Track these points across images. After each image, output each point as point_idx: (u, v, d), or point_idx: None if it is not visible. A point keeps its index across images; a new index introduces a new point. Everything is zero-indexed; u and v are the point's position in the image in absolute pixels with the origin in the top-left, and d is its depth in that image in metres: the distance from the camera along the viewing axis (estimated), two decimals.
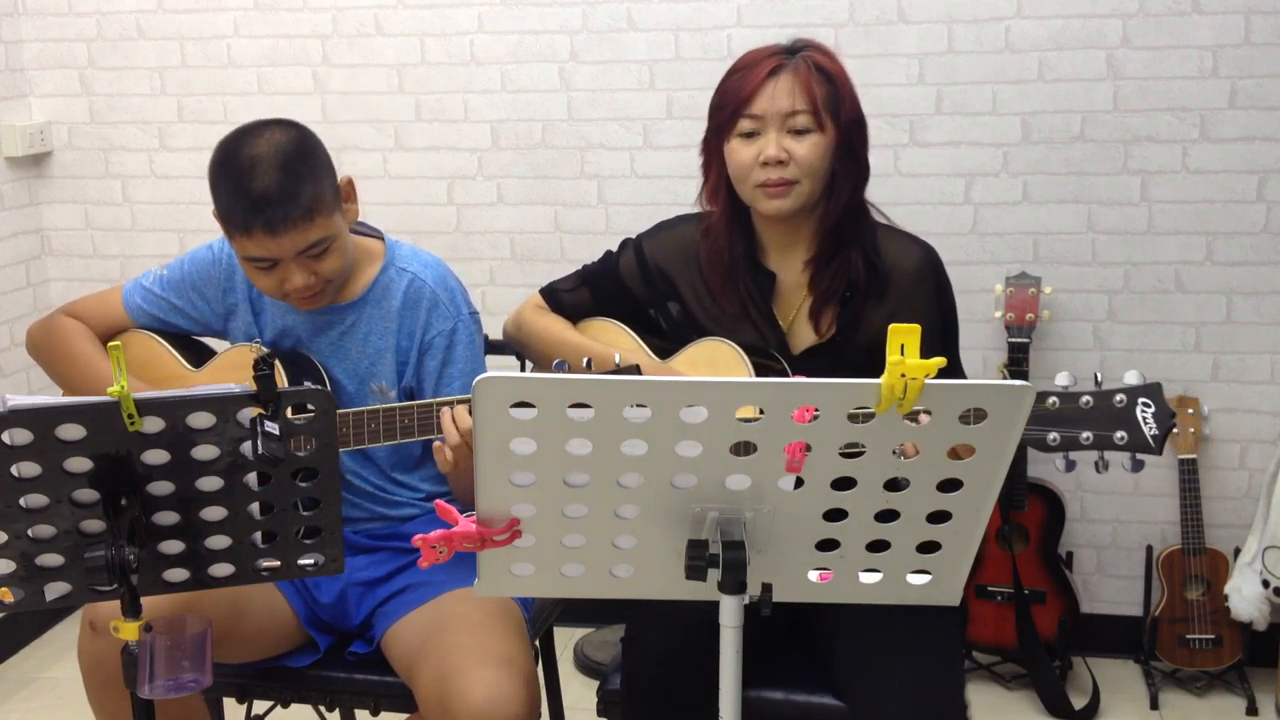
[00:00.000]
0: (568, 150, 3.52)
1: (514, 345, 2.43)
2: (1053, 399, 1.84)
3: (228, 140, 2.17)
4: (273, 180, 2.09)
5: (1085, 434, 1.83)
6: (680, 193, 3.47)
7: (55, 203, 3.81)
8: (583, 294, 2.36)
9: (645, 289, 2.31)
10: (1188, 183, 3.25)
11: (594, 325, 2.35)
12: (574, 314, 2.36)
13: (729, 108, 2.14)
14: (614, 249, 2.37)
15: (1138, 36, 3.21)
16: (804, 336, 2.22)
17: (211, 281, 2.36)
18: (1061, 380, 1.86)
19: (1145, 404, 1.83)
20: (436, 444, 2.04)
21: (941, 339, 2.18)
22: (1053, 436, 1.84)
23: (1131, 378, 1.86)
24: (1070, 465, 1.88)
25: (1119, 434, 1.83)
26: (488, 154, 3.57)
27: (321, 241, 2.15)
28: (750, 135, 2.13)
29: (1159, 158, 3.25)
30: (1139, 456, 1.85)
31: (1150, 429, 1.83)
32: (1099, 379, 1.87)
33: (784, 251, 2.22)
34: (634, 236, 2.35)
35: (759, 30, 3.35)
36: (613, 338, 2.32)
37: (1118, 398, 1.83)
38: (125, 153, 3.75)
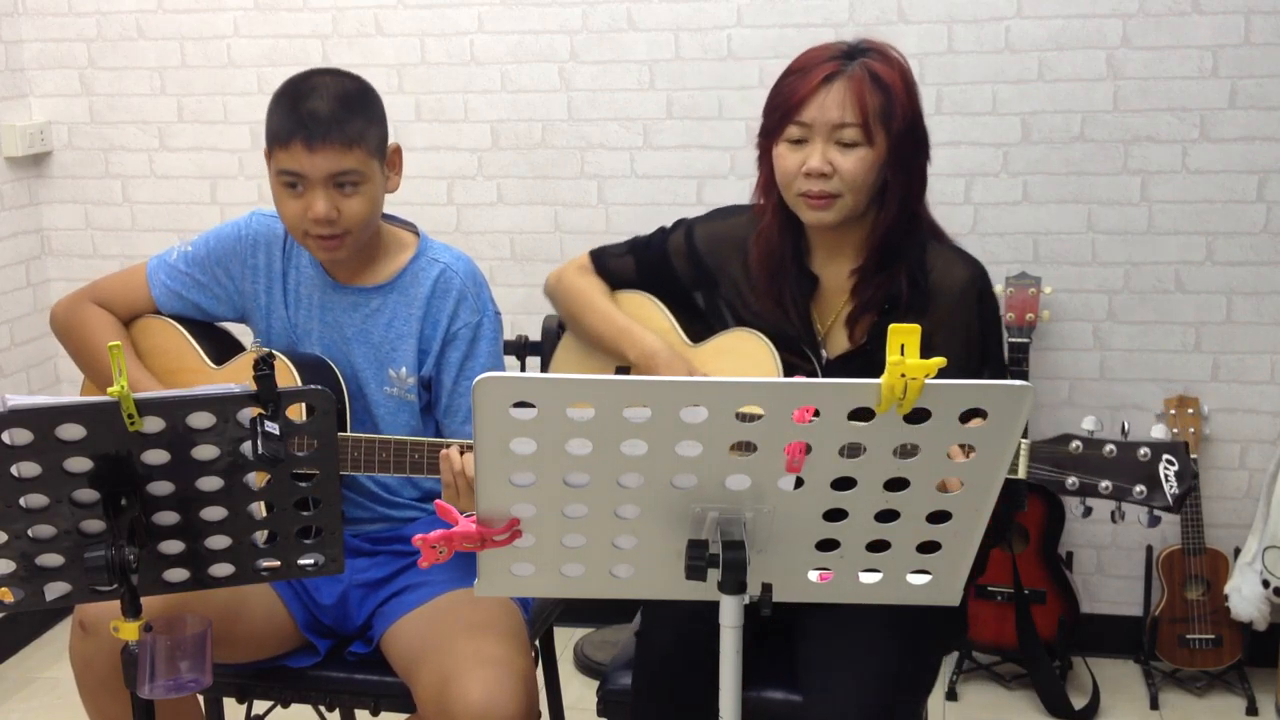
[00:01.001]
0: (568, 150, 3.52)
1: (550, 300, 2.45)
2: (1076, 443, 1.82)
3: (297, 74, 2.25)
4: (326, 104, 2.17)
5: (1105, 483, 1.81)
6: (680, 193, 3.47)
7: (55, 203, 3.81)
8: (628, 262, 2.36)
9: (689, 270, 2.30)
10: (1188, 183, 3.25)
11: (630, 298, 2.35)
12: (616, 280, 2.37)
13: (779, 111, 2.11)
14: (667, 225, 2.36)
15: (1138, 36, 3.21)
16: (839, 342, 2.20)
17: (237, 257, 2.36)
18: (1088, 425, 1.84)
19: (1169, 461, 1.80)
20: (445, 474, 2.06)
21: (978, 361, 2.14)
22: (1071, 481, 1.82)
23: (1159, 433, 1.85)
24: (1087, 511, 1.87)
25: (1139, 488, 1.80)
26: (488, 154, 3.57)
27: (352, 174, 2.18)
28: (798, 142, 2.10)
29: (1159, 158, 3.25)
30: (1156, 513, 1.83)
31: (1171, 487, 1.80)
32: (1126, 429, 1.85)
33: (831, 256, 2.20)
34: (689, 218, 2.34)
35: (759, 30, 3.35)
36: (646, 313, 2.32)
37: (1142, 451, 1.80)
38: (125, 153, 3.75)
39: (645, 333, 2.26)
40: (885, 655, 2.04)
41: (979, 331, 2.15)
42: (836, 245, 2.19)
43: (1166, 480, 1.80)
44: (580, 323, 2.35)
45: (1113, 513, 1.84)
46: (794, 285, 2.20)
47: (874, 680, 2.02)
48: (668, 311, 2.31)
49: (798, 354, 2.19)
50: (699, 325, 2.29)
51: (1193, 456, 3.22)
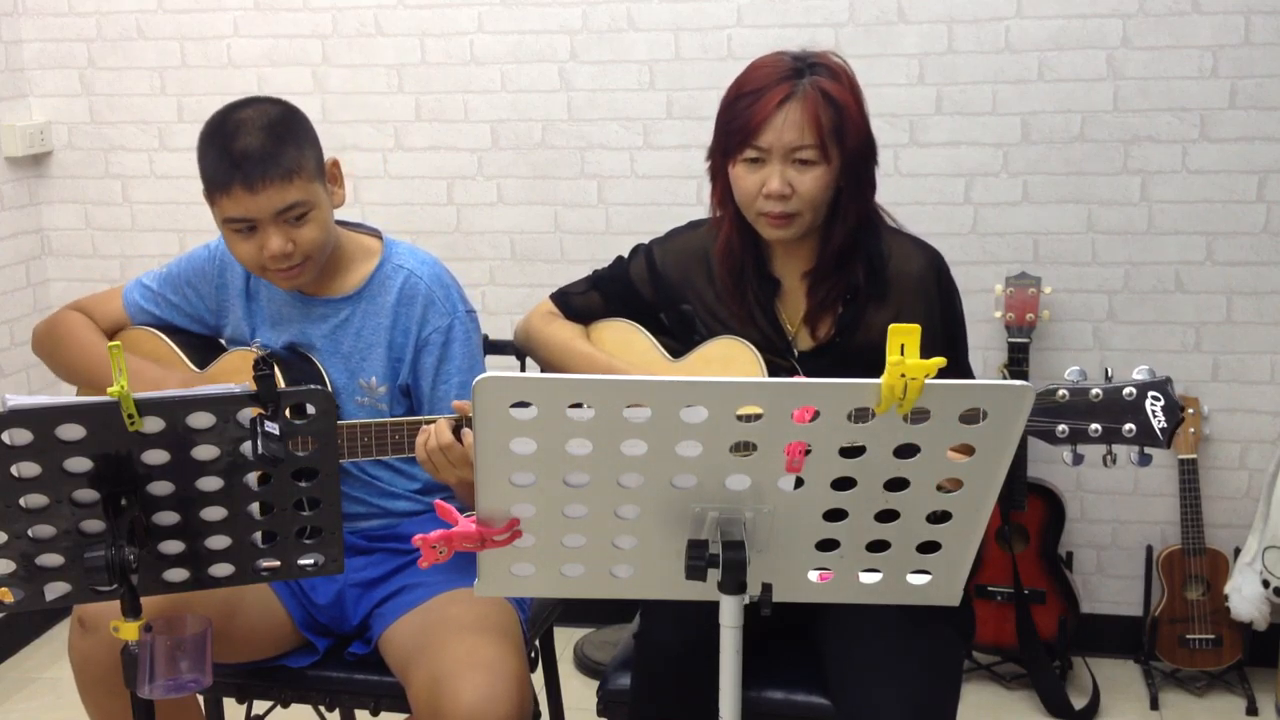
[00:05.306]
0: (568, 150, 3.52)
1: (524, 351, 2.45)
2: (1062, 391, 1.84)
3: (218, 111, 2.23)
4: (256, 140, 2.14)
5: (1094, 426, 1.83)
6: (680, 193, 3.47)
7: (55, 203, 3.81)
8: (594, 297, 2.37)
9: (655, 293, 2.32)
10: (1188, 183, 3.26)
11: (610, 325, 2.36)
12: (586, 317, 2.37)
13: (736, 136, 2.12)
14: (625, 254, 2.38)
15: (1138, 36, 3.21)
16: (808, 340, 2.23)
17: (205, 277, 2.38)
18: (1071, 374, 1.87)
19: (1155, 397, 1.83)
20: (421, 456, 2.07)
21: (944, 343, 2.17)
22: (1061, 429, 1.84)
23: (1141, 373, 1.86)
24: (1078, 459, 1.88)
25: (1127, 426, 1.83)
26: (488, 154, 3.57)
27: (299, 205, 2.16)
28: (755, 161, 2.12)
29: (1159, 158, 3.25)
30: (1147, 450, 1.85)
31: (1159, 422, 1.83)
32: (1109, 373, 1.88)
33: (790, 258, 2.23)
34: (646, 242, 2.36)
35: (759, 30, 3.35)
36: (627, 338, 2.32)
37: (1127, 390, 1.83)
38: (125, 153, 3.75)
39: (627, 369, 2.26)
40: (920, 657, 2.04)
41: (940, 316, 2.19)
42: (794, 248, 2.22)
43: (1154, 415, 1.83)
44: (561, 371, 2.34)
45: (1104, 456, 1.86)
46: (757, 289, 2.22)
47: (913, 681, 2.01)
48: (647, 333, 2.32)
49: (773, 355, 2.21)
50: (678, 342, 2.30)
51: (1192, 456, 3.22)
